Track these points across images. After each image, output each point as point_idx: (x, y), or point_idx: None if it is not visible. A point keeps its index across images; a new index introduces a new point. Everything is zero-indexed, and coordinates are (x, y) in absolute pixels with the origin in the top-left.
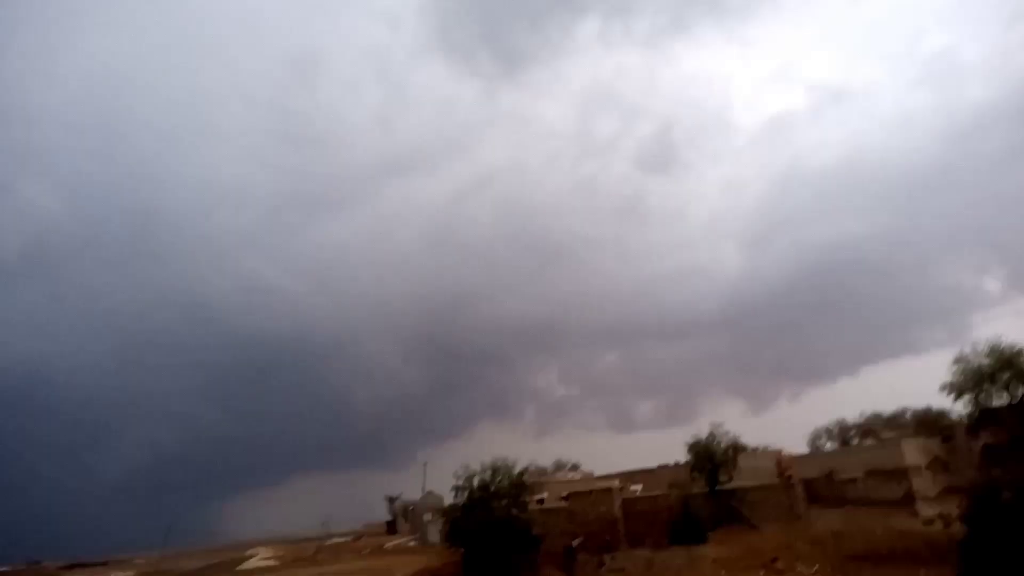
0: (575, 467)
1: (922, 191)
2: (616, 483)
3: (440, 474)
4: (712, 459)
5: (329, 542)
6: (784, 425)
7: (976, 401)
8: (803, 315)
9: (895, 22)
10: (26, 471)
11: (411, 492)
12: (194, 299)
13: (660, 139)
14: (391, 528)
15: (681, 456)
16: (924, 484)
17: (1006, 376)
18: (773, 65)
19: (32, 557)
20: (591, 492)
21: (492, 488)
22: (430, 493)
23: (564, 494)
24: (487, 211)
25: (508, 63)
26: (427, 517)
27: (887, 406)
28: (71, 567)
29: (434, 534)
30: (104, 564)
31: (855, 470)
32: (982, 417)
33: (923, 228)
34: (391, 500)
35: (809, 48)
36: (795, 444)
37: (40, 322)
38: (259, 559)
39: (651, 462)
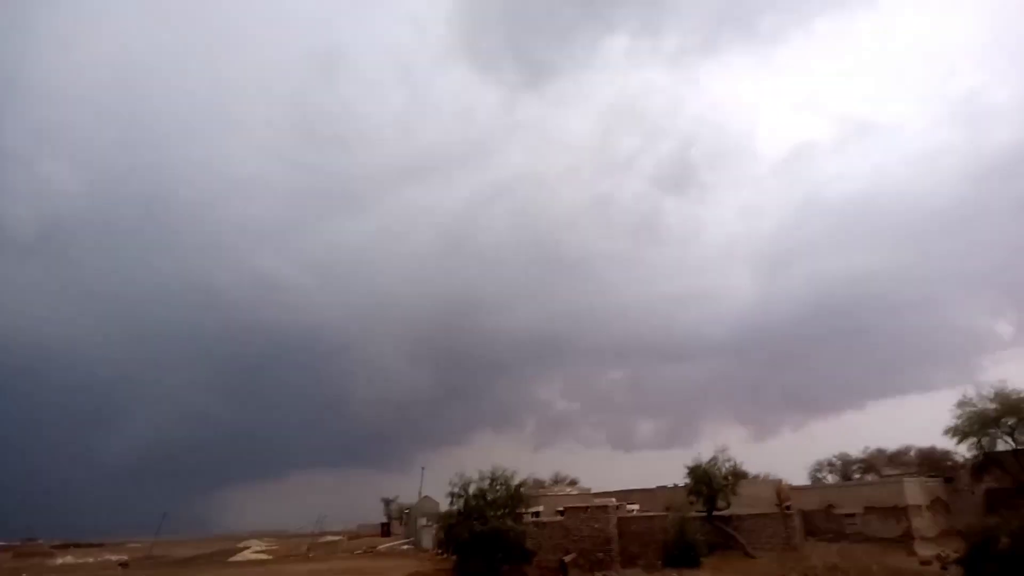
0: (573, 482)
1: (940, 230)
2: (613, 501)
3: (438, 480)
4: (711, 484)
5: (323, 540)
6: (786, 455)
7: (980, 445)
8: (812, 346)
9: (926, 60)
10: (30, 449)
11: (408, 496)
12: (204, 289)
13: (681, 160)
14: (385, 530)
15: (680, 479)
16: (923, 524)
17: (1011, 422)
18: (801, 93)
19: (29, 534)
20: (587, 508)
21: (489, 497)
22: (426, 498)
23: (560, 508)
24: (503, 220)
25: (532, 73)
26: (422, 522)
27: (891, 443)
28: (66, 546)
29: (428, 539)
30: (99, 546)
31: (855, 505)
32: (986, 461)
33: (938, 267)
34: (387, 502)
35: (838, 78)
36: (796, 475)
37: (52, 302)
38: (251, 552)
39: (649, 482)
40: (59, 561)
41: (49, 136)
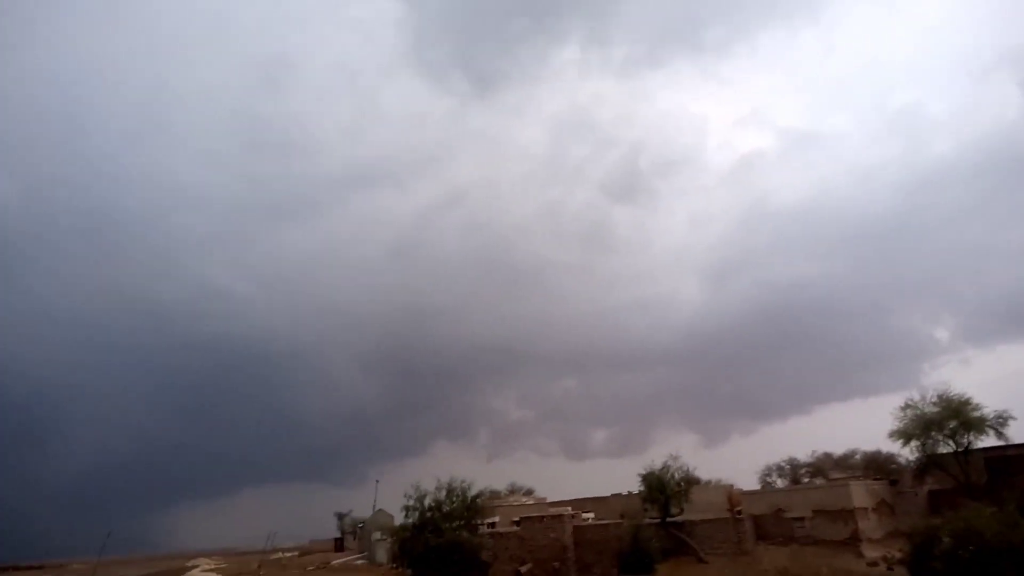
0: (529, 492)
1: (881, 239)
2: (568, 510)
3: (392, 492)
4: (664, 490)
5: (274, 557)
6: (736, 460)
7: (923, 448)
8: (759, 352)
9: (866, 74)
10: None
11: (362, 510)
12: (148, 302)
13: (630, 170)
14: (339, 545)
15: (634, 486)
16: (870, 526)
17: (952, 425)
18: (746, 106)
19: None
20: (543, 518)
21: (444, 509)
22: (380, 511)
23: (516, 519)
24: (454, 229)
25: (482, 83)
26: (376, 536)
27: (837, 447)
28: (5, 570)
29: (382, 553)
30: (40, 568)
31: (803, 509)
32: (928, 463)
33: (879, 275)
34: (340, 516)
35: (782, 92)
36: (747, 480)
37: None
38: (200, 571)
39: (604, 490)
40: None
41: None
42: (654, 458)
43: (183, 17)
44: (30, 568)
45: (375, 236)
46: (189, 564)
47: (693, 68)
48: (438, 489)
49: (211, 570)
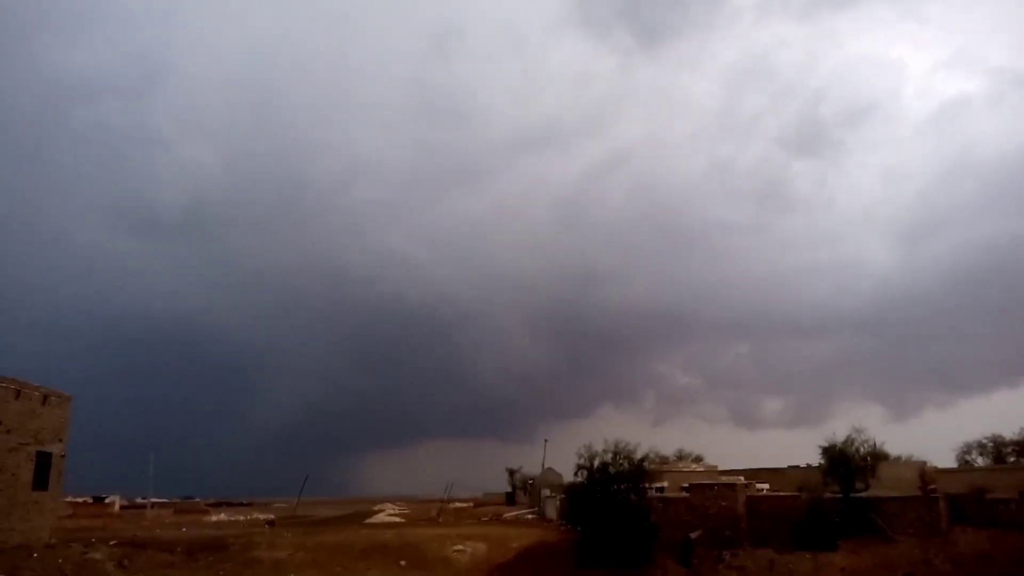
0: (698, 459)
1: None
2: (741, 479)
3: (559, 452)
4: (848, 464)
5: (451, 506)
6: (929, 436)
7: None
8: (959, 319)
9: None
10: (187, 417)
11: (530, 466)
12: (335, 266)
13: (812, 121)
14: (510, 499)
15: (810, 458)
16: None
17: None
18: (950, 46)
19: (186, 493)
20: (714, 486)
21: (612, 470)
22: (549, 469)
23: (685, 485)
24: (620, 190)
25: (649, 36)
26: (545, 492)
27: None
28: (219, 505)
29: (551, 510)
30: (248, 505)
31: (1009, 490)
32: None
33: None
34: (511, 472)
35: (992, 29)
36: (942, 457)
37: (198, 279)
38: (385, 515)
39: (775, 461)
40: (213, 518)
41: (189, 121)
42: (835, 430)
43: None
44: (240, 504)
45: (541, 200)
46: (375, 508)
47: (888, 7)
48: (605, 451)
49: (395, 515)
